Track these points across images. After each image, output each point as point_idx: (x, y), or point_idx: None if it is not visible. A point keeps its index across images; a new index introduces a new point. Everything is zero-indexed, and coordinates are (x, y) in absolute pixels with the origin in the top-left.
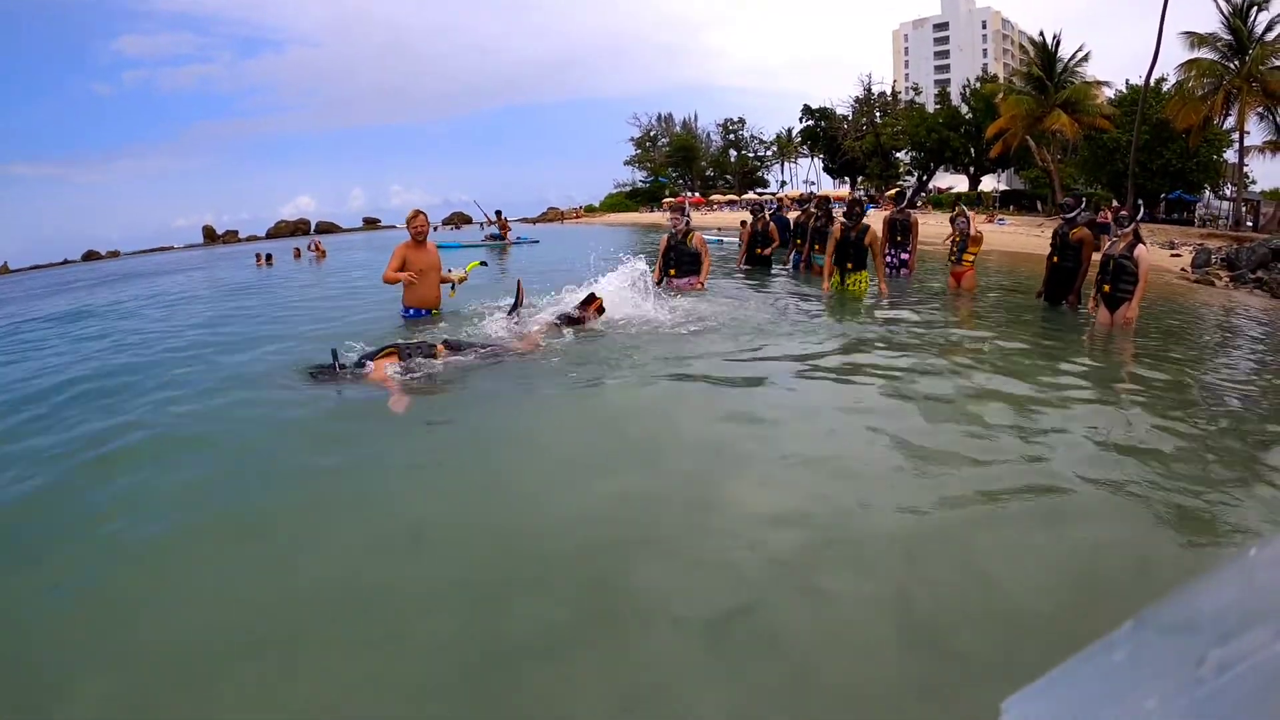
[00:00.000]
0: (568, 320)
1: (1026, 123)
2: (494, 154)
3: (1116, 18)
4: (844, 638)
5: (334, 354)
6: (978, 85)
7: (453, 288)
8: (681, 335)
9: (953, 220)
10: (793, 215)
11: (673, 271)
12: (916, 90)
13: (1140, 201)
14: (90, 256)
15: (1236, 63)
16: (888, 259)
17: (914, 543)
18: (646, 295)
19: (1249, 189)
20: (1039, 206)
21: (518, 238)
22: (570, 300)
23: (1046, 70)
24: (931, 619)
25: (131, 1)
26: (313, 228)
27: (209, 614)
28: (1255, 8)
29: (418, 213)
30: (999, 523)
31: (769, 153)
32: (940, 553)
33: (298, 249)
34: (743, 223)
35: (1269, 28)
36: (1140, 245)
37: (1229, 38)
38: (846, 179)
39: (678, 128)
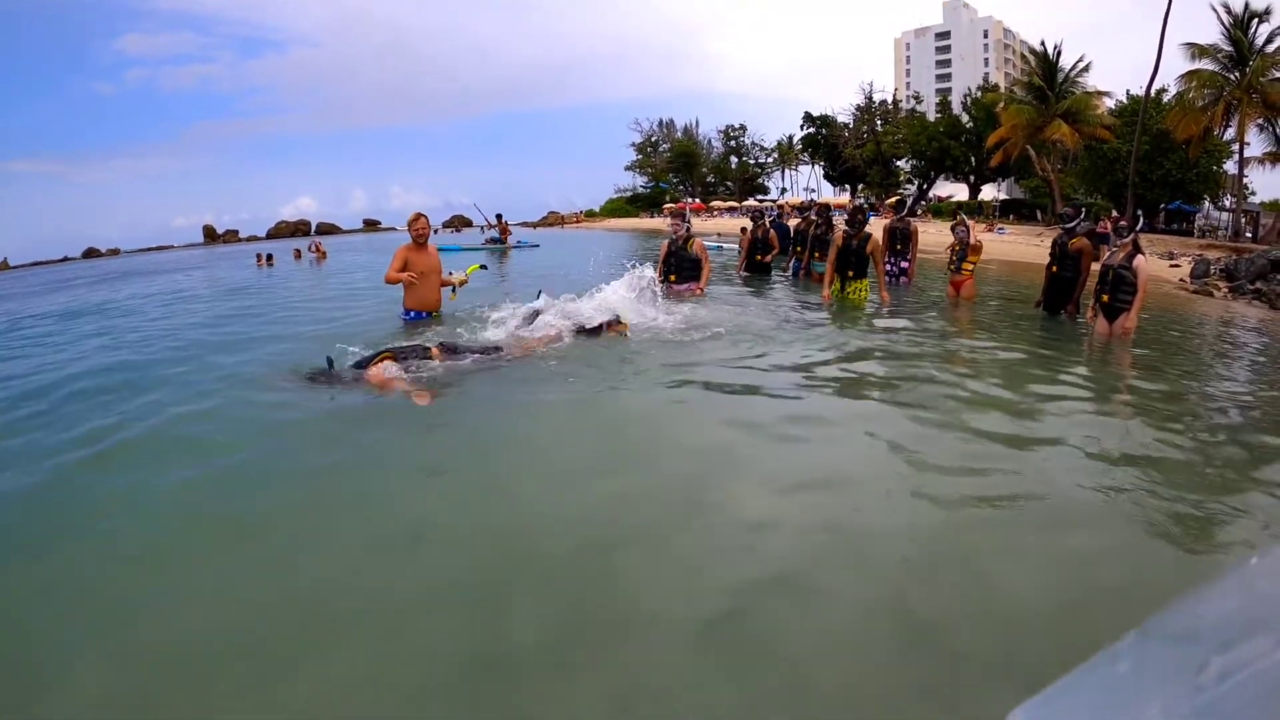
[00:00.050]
0: (584, 331)
1: (1027, 132)
2: (495, 156)
3: (1118, 28)
4: (843, 640)
5: (329, 362)
6: (979, 94)
7: (453, 291)
8: (681, 341)
9: (953, 229)
10: (793, 222)
11: (673, 277)
12: (918, 99)
13: (1140, 212)
14: (90, 254)
15: (1237, 74)
16: (887, 267)
17: (913, 548)
18: (651, 302)
19: (1248, 200)
20: (1039, 216)
21: (518, 242)
22: (575, 309)
23: (1047, 80)
24: (931, 621)
25: (133, 1)
26: (313, 229)
27: (208, 613)
28: (1256, 19)
29: (419, 215)
30: (997, 528)
31: (770, 160)
32: (940, 557)
33: (298, 250)
34: (743, 229)
35: (1269, 39)
36: (1139, 255)
37: (1230, 49)
38: (847, 186)
39: (679, 133)
